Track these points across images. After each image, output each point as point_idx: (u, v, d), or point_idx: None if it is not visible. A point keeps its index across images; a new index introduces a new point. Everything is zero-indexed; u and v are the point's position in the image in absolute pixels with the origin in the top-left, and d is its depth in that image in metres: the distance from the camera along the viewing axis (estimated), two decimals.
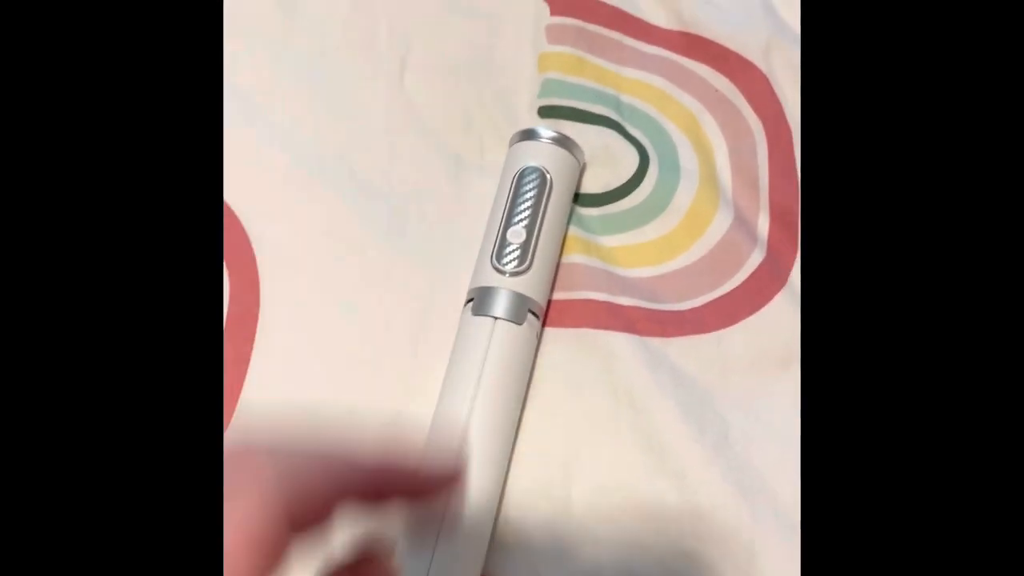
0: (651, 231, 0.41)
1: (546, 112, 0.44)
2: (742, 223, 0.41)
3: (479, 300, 0.36)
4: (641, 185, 0.42)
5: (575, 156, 0.40)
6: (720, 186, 0.42)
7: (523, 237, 0.37)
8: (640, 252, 0.41)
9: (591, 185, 0.42)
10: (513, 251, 0.37)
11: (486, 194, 0.40)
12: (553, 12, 0.47)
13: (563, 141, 0.39)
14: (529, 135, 0.40)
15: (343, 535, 0.34)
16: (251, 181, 0.41)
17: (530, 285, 0.36)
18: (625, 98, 0.45)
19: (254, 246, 0.40)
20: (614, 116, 0.44)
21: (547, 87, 0.45)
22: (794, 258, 0.40)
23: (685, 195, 0.42)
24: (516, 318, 0.35)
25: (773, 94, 0.44)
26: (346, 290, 0.40)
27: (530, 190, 0.38)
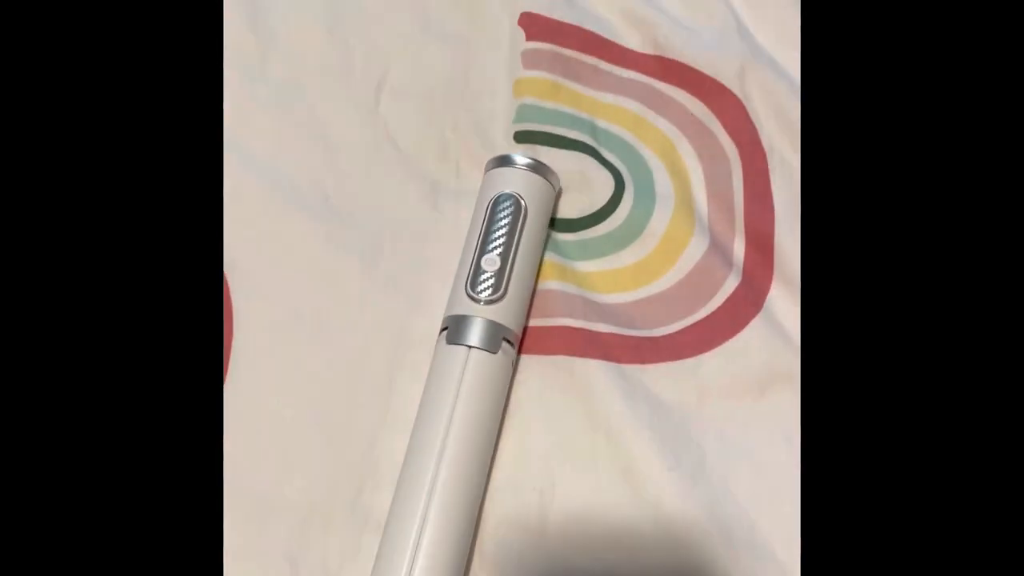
0: (627, 256, 0.41)
1: (522, 137, 0.44)
2: (718, 248, 0.41)
3: (453, 329, 0.36)
4: (617, 210, 0.42)
5: (550, 182, 0.40)
6: (696, 211, 0.42)
7: (497, 265, 0.37)
8: (616, 278, 0.41)
9: (567, 210, 0.42)
10: (487, 279, 0.36)
11: (462, 220, 0.40)
12: (529, 37, 0.47)
13: (538, 167, 0.39)
14: (504, 161, 0.40)
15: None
16: (224, 207, 0.41)
17: (505, 313, 0.36)
18: (601, 123, 0.45)
19: (227, 273, 0.40)
20: (590, 141, 0.44)
21: (523, 112, 0.44)
22: (770, 283, 0.40)
23: (661, 220, 0.42)
24: (490, 347, 0.35)
25: (748, 118, 0.44)
26: (321, 318, 0.39)
27: (504, 217, 0.38)
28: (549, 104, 0.45)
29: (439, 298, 0.38)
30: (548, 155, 0.43)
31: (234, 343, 0.38)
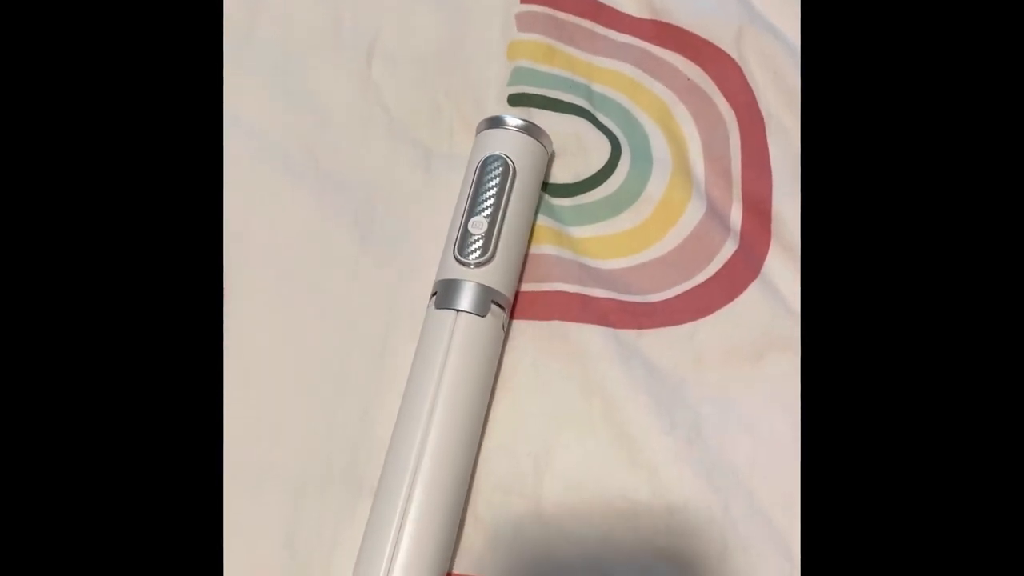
0: (623, 221, 0.41)
1: (516, 100, 0.43)
2: (715, 213, 0.41)
3: (442, 293, 0.35)
4: (613, 175, 0.42)
5: (542, 144, 0.39)
6: (692, 176, 0.42)
7: (484, 228, 0.36)
8: (612, 243, 0.40)
9: (562, 175, 0.42)
10: (475, 242, 0.36)
11: (455, 185, 0.40)
12: (523, 0, 0.46)
13: (528, 129, 0.39)
14: (494, 123, 0.39)
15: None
16: None
17: (494, 276, 0.36)
18: (596, 87, 0.44)
19: None
20: (585, 105, 0.43)
21: (517, 75, 0.44)
22: (767, 248, 0.40)
23: (657, 185, 0.41)
24: (479, 310, 0.35)
25: (745, 82, 0.44)
26: (313, 284, 0.39)
27: (493, 179, 0.37)
28: (544, 67, 0.44)
29: (432, 263, 0.38)
30: (543, 119, 0.42)
31: (225, 310, 0.38)
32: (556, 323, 0.38)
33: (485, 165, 0.38)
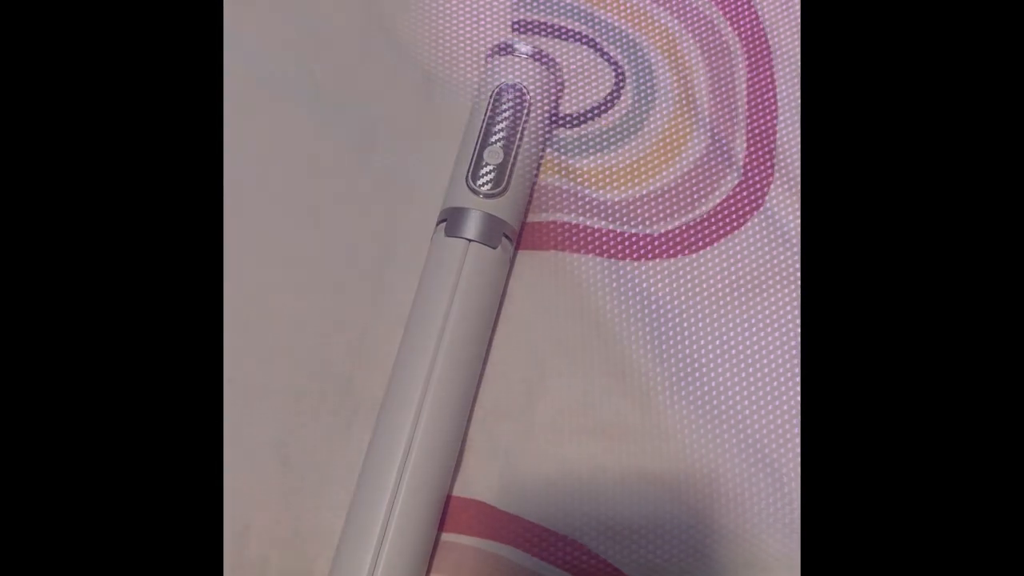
0: (625, 153, 0.40)
1: (519, 27, 0.42)
2: (718, 145, 0.40)
3: (452, 221, 0.35)
4: (616, 105, 0.41)
5: (555, 74, 0.39)
6: (697, 107, 0.41)
7: (500, 158, 0.36)
8: (613, 174, 0.40)
9: (564, 104, 0.41)
10: (489, 172, 0.35)
11: (457, 112, 0.39)
12: None
13: (543, 58, 0.38)
14: (507, 50, 0.38)
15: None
16: None
17: (505, 208, 0.35)
18: (600, 15, 0.43)
19: None
20: (589, 33, 0.42)
21: (521, 0, 0.43)
22: (770, 181, 0.39)
23: (660, 116, 0.41)
24: (490, 241, 0.34)
25: (753, 12, 0.43)
26: (311, 207, 0.38)
27: (507, 109, 0.37)
28: None
29: (432, 190, 0.38)
30: (547, 46, 0.41)
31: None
32: (554, 253, 0.38)
33: (500, 94, 0.37)
